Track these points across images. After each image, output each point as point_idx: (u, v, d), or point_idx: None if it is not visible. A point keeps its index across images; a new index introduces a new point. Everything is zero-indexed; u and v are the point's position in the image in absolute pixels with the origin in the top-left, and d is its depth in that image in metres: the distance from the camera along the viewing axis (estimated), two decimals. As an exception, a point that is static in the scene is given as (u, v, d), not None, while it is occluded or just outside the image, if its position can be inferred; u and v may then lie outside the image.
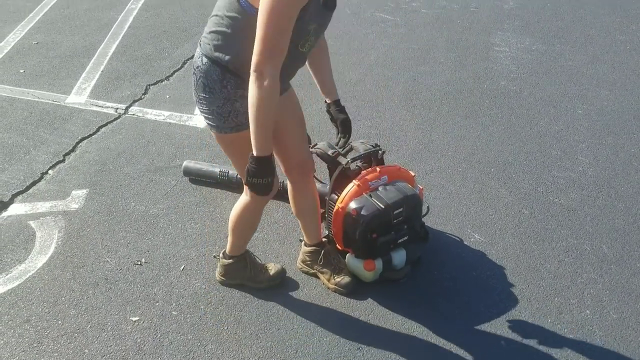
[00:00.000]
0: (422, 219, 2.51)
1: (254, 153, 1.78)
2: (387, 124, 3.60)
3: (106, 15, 5.36)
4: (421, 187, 2.55)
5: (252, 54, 1.67)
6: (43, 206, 2.99)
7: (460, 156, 3.27)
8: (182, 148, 3.45)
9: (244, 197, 2.18)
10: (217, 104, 1.91)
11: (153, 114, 3.80)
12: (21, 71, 4.39)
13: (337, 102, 2.36)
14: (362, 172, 2.41)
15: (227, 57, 1.83)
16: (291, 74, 2.05)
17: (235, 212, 2.24)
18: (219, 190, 3.08)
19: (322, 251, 2.46)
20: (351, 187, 2.35)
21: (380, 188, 2.35)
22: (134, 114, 3.81)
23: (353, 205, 2.30)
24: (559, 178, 3.07)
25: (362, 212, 2.26)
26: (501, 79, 4.02)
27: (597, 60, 4.21)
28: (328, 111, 2.37)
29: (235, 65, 1.84)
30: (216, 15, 1.85)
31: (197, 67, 1.91)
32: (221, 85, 1.87)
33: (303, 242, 2.53)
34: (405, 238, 2.38)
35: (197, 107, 2.05)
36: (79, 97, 4.01)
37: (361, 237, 2.30)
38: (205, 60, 1.87)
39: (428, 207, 2.60)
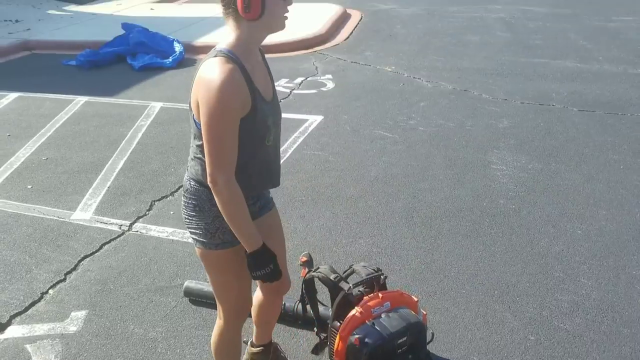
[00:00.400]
0: (427, 347, 2.46)
1: (247, 250, 1.91)
2: (389, 242, 3.62)
3: (116, 131, 5.56)
4: (424, 312, 2.52)
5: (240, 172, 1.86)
6: (41, 328, 2.95)
7: (463, 277, 3.27)
8: (184, 267, 3.45)
9: (218, 322, 2.27)
10: (206, 220, 2.00)
11: (156, 231, 3.84)
12: (29, 187, 4.48)
13: None
14: (365, 298, 2.39)
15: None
16: (270, 172, 2.09)
17: (213, 340, 2.31)
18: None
19: (271, 347, 2.53)
20: (353, 314, 2.33)
21: (383, 315, 2.32)
22: (137, 231, 3.84)
23: (356, 333, 2.27)
24: (562, 301, 3.04)
25: (366, 341, 2.23)
26: (500, 197, 4.10)
27: (593, 179, 4.31)
28: None
29: None
30: (191, 146, 2.00)
31: (187, 190, 2.04)
32: (210, 204, 1.95)
33: (250, 343, 2.58)
34: None
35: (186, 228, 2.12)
36: (84, 213, 4.07)
37: None
38: (193, 183, 2.00)
39: (432, 334, 2.56)
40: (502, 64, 7.38)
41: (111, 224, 3.93)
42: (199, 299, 3.12)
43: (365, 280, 2.45)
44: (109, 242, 3.72)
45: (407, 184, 4.35)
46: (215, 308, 2.28)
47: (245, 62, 1.82)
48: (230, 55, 1.79)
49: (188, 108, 1.92)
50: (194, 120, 1.88)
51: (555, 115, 5.59)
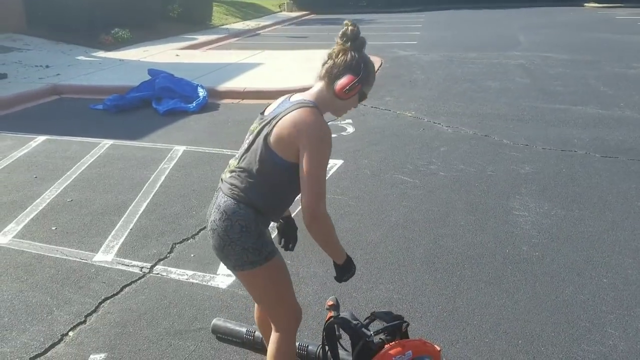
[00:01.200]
0: None
1: (338, 263, 2.31)
2: (410, 289, 3.58)
3: (139, 174, 5.65)
4: (438, 347, 2.47)
5: (276, 198, 2.21)
6: (59, 371, 2.94)
7: (486, 325, 3.20)
8: (203, 310, 3.44)
9: (277, 336, 2.38)
10: (253, 240, 2.17)
11: (177, 274, 3.84)
12: (53, 228, 4.55)
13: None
14: (386, 346, 2.36)
15: (260, 202, 2.18)
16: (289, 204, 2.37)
17: (270, 355, 2.38)
18: (237, 357, 3.01)
19: None
20: None
21: None
22: (158, 273, 3.86)
23: None
24: (589, 352, 2.95)
25: None
26: (523, 244, 4.05)
27: (617, 226, 4.24)
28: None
29: (266, 208, 2.22)
30: (249, 169, 2.18)
31: (234, 212, 2.16)
32: (255, 223, 2.17)
33: None
34: None
35: (225, 258, 2.23)
36: (106, 255, 4.10)
37: None
38: (243, 205, 2.17)
39: None
40: (523, 109, 7.41)
41: (132, 266, 3.95)
42: (225, 337, 3.11)
43: (386, 328, 2.42)
44: (130, 284, 3.73)
45: (428, 230, 4.32)
46: (241, 346, 2.32)
47: None
48: (319, 109, 2.15)
49: (251, 142, 2.20)
50: (269, 152, 2.11)
51: (577, 161, 5.56)
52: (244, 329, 3.06)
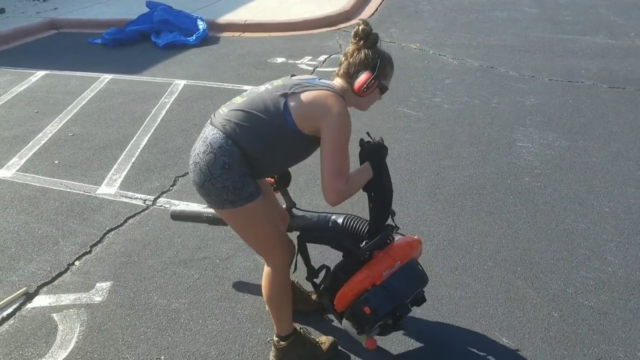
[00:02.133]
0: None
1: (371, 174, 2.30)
2: (411, 219, 3.60)
3: (140, 108, 5.60)
4: (417, 237, 2.45)
5: (266, 156, 2.13)
6: (67, 298, 3.01)
7: (485, 254, 3.23)
8: (207, 240, 3.48)
9: (267, 270, 2.36)
10: (234, 178, 2.10)
11: (180, 206, 3.86)
12: (56, 162, 4.56)
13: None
14: (374, 257, 2.31)
15: (249, 150, 2.12)
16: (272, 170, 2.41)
17: (265, 287, 2.39)
18: (241, 284, 3.07)
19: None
20: (364, 277, 2.26)
21: (396, 275, 2.25)
22: (161, 206, 3.88)
23: (365, 297, 2.21)
24: (588, 279, 2.99)
25: (374, 307, 2.19)
26: (525, 175, 4.03)
27: (622, 156, 4.21)
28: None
29: (252, 160, 2.14)
30: (254, 113, 2.12)
31: (220, 147, 2.10)
32: (239, 164, 2.11)
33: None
34: (404, 314, 2.32)
35: (206, 194, 2.17)
36: (109, 188, 4.12)
37: (370, 325, 2.25)
38: (230, 142, 2.10)
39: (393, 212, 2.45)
40: (530, 40, 7.22)
41: (136, 198, 3.98)
42: (184, 221, 3.17)
43: (376, 241, 2.33)
44: (134, 216, 3.76)
45: (431, 162, 4.30)
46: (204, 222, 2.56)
47: None
48: (344, 100, 2.19)
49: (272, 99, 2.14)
50: (285, 112, 2.10)
51: (584, 92, 5.46)
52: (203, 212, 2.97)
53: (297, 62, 6.85)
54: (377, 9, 9.45)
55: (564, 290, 2.93)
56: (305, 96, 2.12)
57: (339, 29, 8.37)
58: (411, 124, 4.95)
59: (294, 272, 2.54)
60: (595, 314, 2.76)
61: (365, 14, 9.16)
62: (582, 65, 6.19)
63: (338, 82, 2.25)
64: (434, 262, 3.17)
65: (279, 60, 7.00)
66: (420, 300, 2.39)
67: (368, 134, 2.40)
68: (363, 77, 2.17)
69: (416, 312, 2.80)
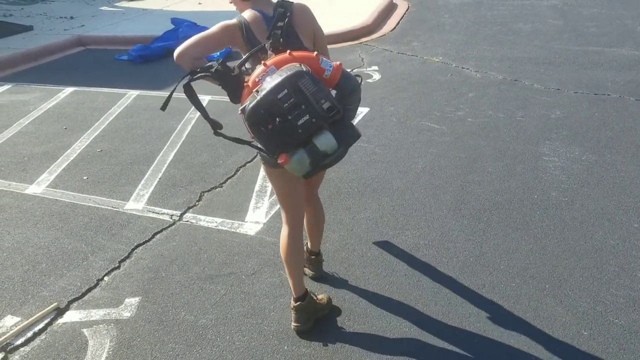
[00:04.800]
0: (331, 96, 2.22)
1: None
2: (436, 234, 3.59)
3: (166, 124, 5.69)
4: (337, 63, 2.32)
5: None
6: (97, 314, 3.06)
7: (513, 270, 3.20)
8: (233, 256, 3.51)
9: (283, 230, 2.75)
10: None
11: (206, 221, 3.91)
12: (84, 178, 4.64)
13: None
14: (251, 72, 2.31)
15: None
16: None
17: (282, 249, 2.77)
18: (267, 300, 3.09)
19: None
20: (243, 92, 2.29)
21: (267, 79, 2.20)
22: (187, 221, 3.93)
23: (241, 106, 2.22)
24: (618, 296, 2.95)
25: (247, 109, 2.16)
26: (552, 190, 3.99)
27: (651, 170, 4.15)
28: None
29: None
30: None
31: None
32: None
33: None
34: (308, 118, 2.14)
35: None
36: (137, 203, 4.19)
37: (257, 134, 2.20)
38: None
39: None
40: (555, 52, 7.17)
41: (163, 214, 4.03)
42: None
43: (247, 57, 2.35)
44: (161, 231, 3.81)
45: (455, 176, 4.28)
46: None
47: None
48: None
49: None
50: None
51: (610, 105, 5.40)
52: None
53: (320, 76, 6.88)
54: (398, 22, 9.48)
55: (593, 309, 2.89)
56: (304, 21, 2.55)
57: (360, 42, 8.41)
58: (435, 138, 4.94)
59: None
60: (625, 333, 2.72)
61: (387, 27, 9.20)
62: (609, 78, 6.12)
63: None
64: (461, 279, 3.15)
65: (302, 74, 7.04)
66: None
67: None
68: None
69: (443, 329, 2.79)
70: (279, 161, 2.22)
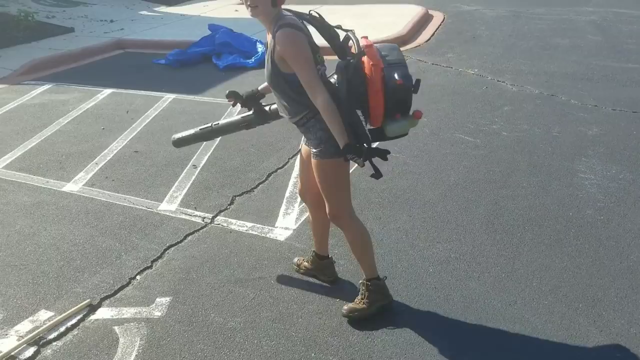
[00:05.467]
0: None
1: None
2: (468, 248, 3.55)
3: (200, 127, 5.76)
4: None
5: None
6: (128, 312, 3.11)
7: (545, 288, 3.15)
8: (262, 260, 3.54)
9: (356, 220, 2.92)
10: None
11: (237, 225, 3.95)
12: (120, 178, 4.74)
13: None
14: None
15: None
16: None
17: (351, 242, 2.93)
18: (295, 306, 3.10)
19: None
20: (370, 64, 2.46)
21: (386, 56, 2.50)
22: (219, 224, 3.97)
23: (395, 76, 2.43)
24: (655, 319, 2.88)
25: (398, 77, 2.42)
26: (587, 208, 3.92)
27: (691, 192, 4.05)
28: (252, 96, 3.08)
29: None
30: None
31: None
32: None
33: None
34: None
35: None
36: (170, 205, 4.25)
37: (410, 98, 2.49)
38: None
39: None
40: (593, 68, 7.06)
41: (195, 216, 4.09)
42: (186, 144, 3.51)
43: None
44: (193, 233, 3.87)
45: (489, 190, 4.24)
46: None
47: None
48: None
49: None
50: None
51: (650, 124, 5.29)
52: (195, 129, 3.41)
53: (353, 85, 6.90)
54: (433, 33, 9.45)
55: (627, 330, 2.82)
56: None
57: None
58: (468, 151, 4.91)
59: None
60: (662, 358, 2.65)
61: (422, 38, 9.18)
62: (648, 96, 6.00)
63: None
64: (492, 295, 3.12)
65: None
66: None
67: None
68: None
69: (473, 345, 2.76)
70: (417, 116, 2.55)
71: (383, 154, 2.48)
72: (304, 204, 3.10)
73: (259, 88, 3.07)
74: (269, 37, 2.60)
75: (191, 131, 3.39)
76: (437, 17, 10.76)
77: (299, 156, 3.06)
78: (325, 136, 2.61)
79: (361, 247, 2.94)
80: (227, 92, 3.13)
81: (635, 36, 8.56)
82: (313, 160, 2.73)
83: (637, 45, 8.03)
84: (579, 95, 6.12)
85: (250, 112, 3.12)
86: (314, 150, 2.69)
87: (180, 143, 3.44)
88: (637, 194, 4.06)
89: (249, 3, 2.48)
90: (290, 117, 2.70)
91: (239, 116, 3.21)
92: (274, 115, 3.01)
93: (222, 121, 3.33)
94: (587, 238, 3.59)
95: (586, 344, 2.75)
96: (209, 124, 3.35)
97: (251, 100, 3.07)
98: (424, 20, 10.35)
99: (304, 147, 2.89)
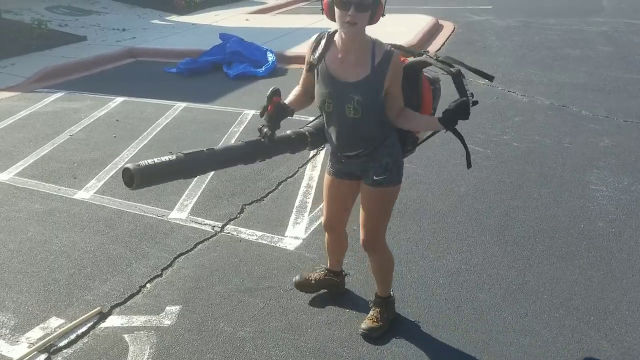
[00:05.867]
0: None
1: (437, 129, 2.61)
2: (478, 260, 3.54)
3: (211, 136, 5.79)
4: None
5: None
6: (138, 320, 3.12)
7: (557, 300, 3.13)
8: (272, 270, 3.54)
9: (375, 258, 2.88)
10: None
11: (247, 234, 3.96)
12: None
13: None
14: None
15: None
16: (332, 138, 2.64)
17: (379, 266, 2.90)
18: (305, 316, 3.09)
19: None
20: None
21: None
22: (229, 233, 3.98)
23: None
24: (668, 334, 2.85)
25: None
26: (599, 220, 3.90)
27: None
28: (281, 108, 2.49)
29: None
30: None
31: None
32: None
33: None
34: None
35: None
36: (180, 213, 4.27)
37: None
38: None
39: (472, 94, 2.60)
40: (604, 79, 7.04)
41: (205, 224, 4.10)
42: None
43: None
44: (203, 241, 3.87)
45: (499, 201, 4.23)
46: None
47: (334, 41, 2.47)
48: (326, 31, 2.51)
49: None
50: None
51: (662, 135, 5.26)
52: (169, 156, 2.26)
53: (363, 95, 6.92)
54: (444, 43, 9.47)
55: (639, 344, 2.80)
56: None
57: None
58: (478, 161, 4.89)
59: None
60: (676, 373, 2.62)
61: (433, 47, 9.19)
62: (660, 107, 5.97)
63: None
64: (502, 307, 3.10)
65: (346, 93, 7.10)
66: None
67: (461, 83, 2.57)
68: None
69: (483, 358, 2.74)
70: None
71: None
72: (323, 226, 3.00)
73: (287, 102, 2.58)
74: (364, 57, 2.43)
75: (164, 159, 2.22)
76: (448, 27, 10.78)
77: (326, 189, 2.86)
78: (391, 162, 2.60)
79: (388, 270, 2.95)
80: (271, 90, 2.45)
81: (647, 47, 8.53)
82: (370, 190, 2.65)
83: (648, 56, 8.00)
84: (590, 107, 6.10)
85: (265, 135, 2.52)
86: (376, 179, 2.60)
87: (143, 179, 2.15)
88: (650, 206, 4.03)
89: (347, 20, 2.26)
90: (363, 148, 2.56)
91: (286, 136, 2.65)
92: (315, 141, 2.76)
93: (234, 144, 2.60)
94: (598, 250, 3.57)
95: (598, 357, 2.72)
96: (196, 150, 2.33)
97: (283, 115, 2.50)
98: (435, 30, 10.37)
99: (335, 179, 2.79)
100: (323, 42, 2.48)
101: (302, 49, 9.27)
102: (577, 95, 6.48)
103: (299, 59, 8.88)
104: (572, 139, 5.27)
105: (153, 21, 13.04)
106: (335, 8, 2.28)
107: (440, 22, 11.02)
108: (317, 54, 2.48)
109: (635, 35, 9.41)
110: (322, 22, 11.90)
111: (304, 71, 2.63)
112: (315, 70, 2.51)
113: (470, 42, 9.48)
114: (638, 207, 4.04)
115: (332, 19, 2.34)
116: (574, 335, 2.87)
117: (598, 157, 4.87)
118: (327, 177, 2.83)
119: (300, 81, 2.69)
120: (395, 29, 10.10)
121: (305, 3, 16.93)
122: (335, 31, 2.43)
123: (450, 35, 10.08)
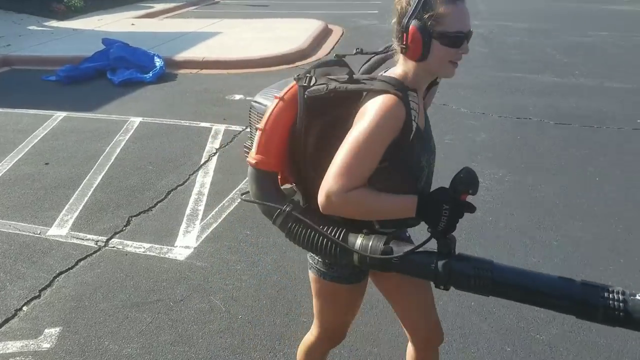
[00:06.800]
0: None
1: (414, 215, 1.62)
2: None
3: (94, 146, 5.52)
4: None
5: None
6: (14, 346, 2.90)
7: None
8: (160, 282, 3.42)
9: (310, 336, 2.16)
10: None
11: (133, 247, 3.80)
12: (4, 203, 4.42)
13: None
14: None
15: None
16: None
17: (300, 352, 2.21)
18: (195, 327, 3.02)
19: None
20: None
21: None
22: (114, 247, 3.80)
23: None
24: (539, 312, 3.06)
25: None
26: (477, 210, 4.12)
27: (569, 190, 4.37)
28: None
29: None
30: None
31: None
32: None
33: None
34: None
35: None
36: (60, 229, 4.02)
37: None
38: None
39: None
40: (481, 78, 7.49)
41: (87, 239, 3.89)
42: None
43: None
44: (85, 258, 3.67)
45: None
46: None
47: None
48: (402, 89, 1.63)
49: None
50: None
51: (532, 129, 5.68)
52: None
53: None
54: (333, 47, 9.67)
55: (516, 325, 2.99)
56: None
57: (296, 66, 8.50)
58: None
59: None
60: (545, 348, 2.82)
61: (322, 52, 9.35)
62: (530, 103, 6.45)
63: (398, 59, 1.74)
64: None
65: (237, 97, 7.05)
66: None
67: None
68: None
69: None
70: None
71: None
72: (328, 339, 2.16)
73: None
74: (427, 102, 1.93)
75: None
76: (337, 31, 11.03)
77: (343, 300, 1.99)
78: None
79: None
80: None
81: (518, 47, 9.18)
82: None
83: (520, 56, 8.62)
84: (468, 104, 6.46)
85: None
86: None
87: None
88: (521, 195, 4.33)
89: (459, 58, 1.71)
90: None
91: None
92: None
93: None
94: (477, 239, 3.78)
95: (479, 340, 2.88)
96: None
97: None
98: (324, 34, 10.56)
99: (358, 285, 1.96)
100: (414, 102, 1.62)
101: (192, 53, 9.10)
102: (456, 93, 6.85)
103: (189, 64, 8.71)
104: (453, 136, 5.55)
105: (30, 27, 12.24)
106: (441, 46, 1.61)
107: (330, 26, 11.24)
108: (415, 120, 1.63)
109: (508, 36, 10.10)
110: (212, 26, 11.76)
111: (372, 160, 1.61)
112: (409, 143, 1.64)
113: (358, 45, 9.70)
114: (512, 196, 4.33)
115: (424, 58, 1.63)
116: (456, 322, 3.02)
117: (476, 152, 5.16)
118: (342, 287, 1.92)
119: (364, 174, 1.61)
120: (285, 34, 10.19)
121: (195, 7, 16.64)
122: (402, 83, 1.66)
123: (339, 39, 10.31)
